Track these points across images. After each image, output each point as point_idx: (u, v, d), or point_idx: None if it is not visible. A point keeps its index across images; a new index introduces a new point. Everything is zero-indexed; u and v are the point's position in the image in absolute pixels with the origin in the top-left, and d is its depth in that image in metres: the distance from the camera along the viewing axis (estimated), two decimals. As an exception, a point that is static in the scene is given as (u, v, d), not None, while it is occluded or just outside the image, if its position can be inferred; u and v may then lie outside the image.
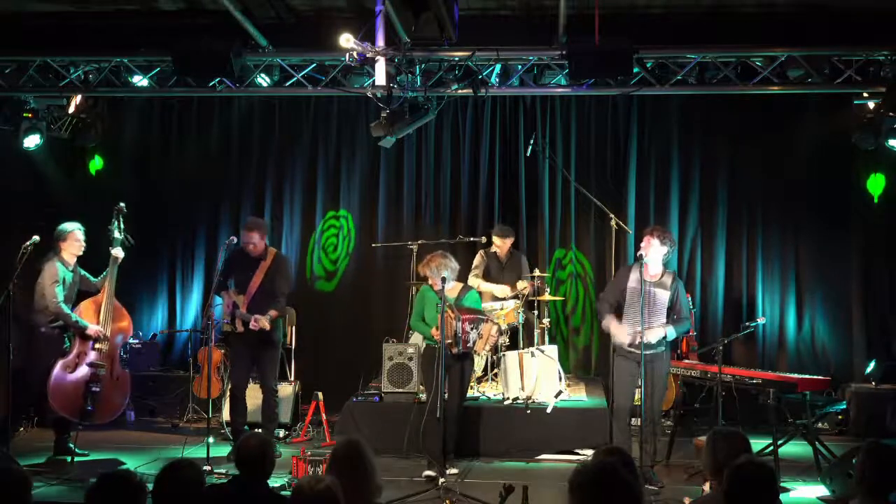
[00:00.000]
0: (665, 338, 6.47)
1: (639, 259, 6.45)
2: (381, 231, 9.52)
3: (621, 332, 6.48)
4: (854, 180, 8.84)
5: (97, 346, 7.17)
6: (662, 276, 6.53)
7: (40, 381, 7.05)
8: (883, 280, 8.88)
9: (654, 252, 6.47)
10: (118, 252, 7.36)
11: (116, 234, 7.38)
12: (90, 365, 7.14)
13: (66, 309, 7.11)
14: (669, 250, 6.56)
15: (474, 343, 6.84)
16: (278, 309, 7.31)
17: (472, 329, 6.79)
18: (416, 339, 7.71)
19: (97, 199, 9.37)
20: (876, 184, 8.69)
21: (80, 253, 7.33)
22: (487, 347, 6.95)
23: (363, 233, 9.57)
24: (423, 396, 7.09)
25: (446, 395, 6.68)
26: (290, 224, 9.69)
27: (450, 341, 6.75)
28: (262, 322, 7.11)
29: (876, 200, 8.73)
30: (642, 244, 6.51)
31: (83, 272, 7.43)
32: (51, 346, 7.17)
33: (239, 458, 4.05)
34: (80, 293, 7.42)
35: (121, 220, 7.42)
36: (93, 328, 7.16)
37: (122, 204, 7.46)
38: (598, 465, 3.21)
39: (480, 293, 8.39)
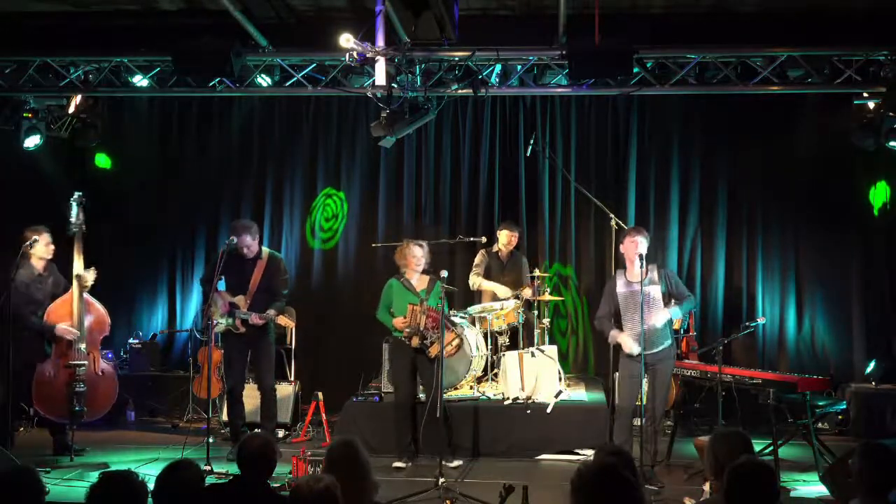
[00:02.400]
0: (670, 318, 6.50)
1: (640, 259, 6.45)
2: (381, 231, 9.52)
3: (629, 342, 6.47)
4: (854, 180, 8.85)
5: (74, 345, 7.10)
6: (648, 272, 6.54)
7: (27, 386, 7.03)
8: (883, 280, 8.88)
9: (643, 249, 6.49)
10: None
11: (75, 230, 7.27)
12: (68, 366, 7.08)
13: (31, 317, 7.03)
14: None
15: (431, 344, 6.89)
16: (278, 308, 7.36)
17: (433, 331, 6.87)
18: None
19: (97, 199, 9.37)
20: (878, 194, 8.71)
21: (50, 256, 7.22)
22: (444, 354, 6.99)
23: (363, 232, 9.57)
24: (423, 396, 7.13)
25: (424, 395, 6.93)
26: (290, 224, 9.68)
27: (409, 331, 6.91)
28: (264, 317, 7.21)
29: (876, 213, 8.75)
30: (632, 246, 6.48)
31: (58, 275, 7.32)
32: (29, 350, 7.07)
33: (240, 458, 4.05)
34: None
35: (81, 211, 7.30)
36: (60, 328, 7.09)
37: (79, 193, 7.38)
38: (600, 466, 3.20)
39: (482, 291, 8.48)
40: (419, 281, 7.16)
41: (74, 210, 7.29)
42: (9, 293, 6.76)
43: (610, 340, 6.70)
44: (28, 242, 7.01)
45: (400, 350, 7.13)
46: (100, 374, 7.28)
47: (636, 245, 6.47)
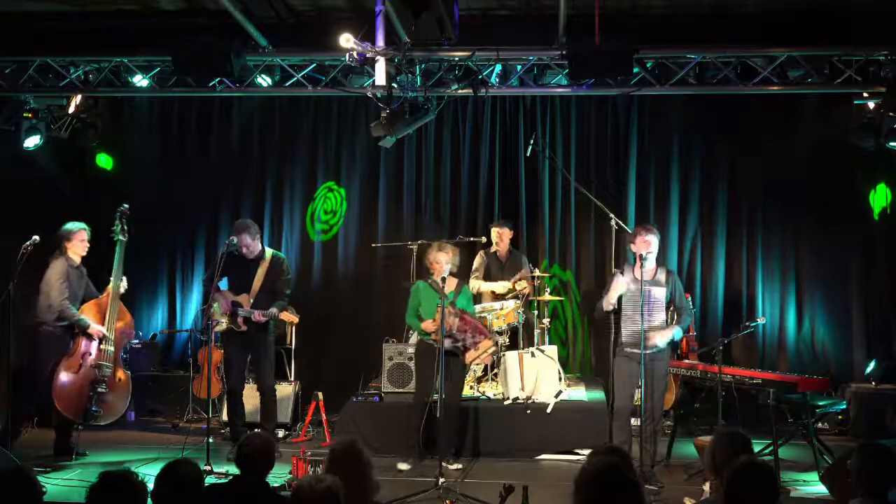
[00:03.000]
0: (672, 339, 6.50)
1: (640, 259, 6.43)
2: (381, 231, 9.53)
3: (621, 281, 6.43)
4: (854, 181, 8.85)
5: (101, 346, 7.18)
6: (656, 273, 6.53)
7: (44, 382, 7.05)
8: (883, 280, 8.88)
9: (654, 248, 6.48)
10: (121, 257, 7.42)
11: (121, 237, 7.45)
12: (95, 366, 7.14)
13: (71, 307, 7.13)
14: None
15: (464, 348, 6.85)
16: (280, 308, 7.36)
17: (470, 336, 6.82)
18: (417, 339, 7.71)
19: (97, 198, 9.39)
20: (878, 198, 8.70)
21: (84, 253, 7.36)
22: (478, 361, 6.95)
23: (363, 232, 9.58)
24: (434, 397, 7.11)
25: (439, 395, 6.79)
26: (290, 223, 9.69)
27: (438, 333, 6.85)
28: (267, 314, 7.21)
29: (876, 217, 8.74)
30: (643, 244, 6.44)
31: (87, 277, 7.44)
32: (52, 346, 7.15)
33: (240, 457, 4.05)
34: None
35: (124, 222, 7.48)
36: (95, 327, 7.18)
37: (125, 205, 7.54)
38: (604, 465, 3.20)
39: (481, 293, 8.47)
40: (447, 283, 7.08)
41: (119, 221, 7.45)
42: (9, 293, 6.76)
43: (605, 303, 6.56)
44: (28, 243, 7.00)
45: (426, 352, 7.06)
46: (118, 380, 7.33)
47: (649, 245, 6.45)
